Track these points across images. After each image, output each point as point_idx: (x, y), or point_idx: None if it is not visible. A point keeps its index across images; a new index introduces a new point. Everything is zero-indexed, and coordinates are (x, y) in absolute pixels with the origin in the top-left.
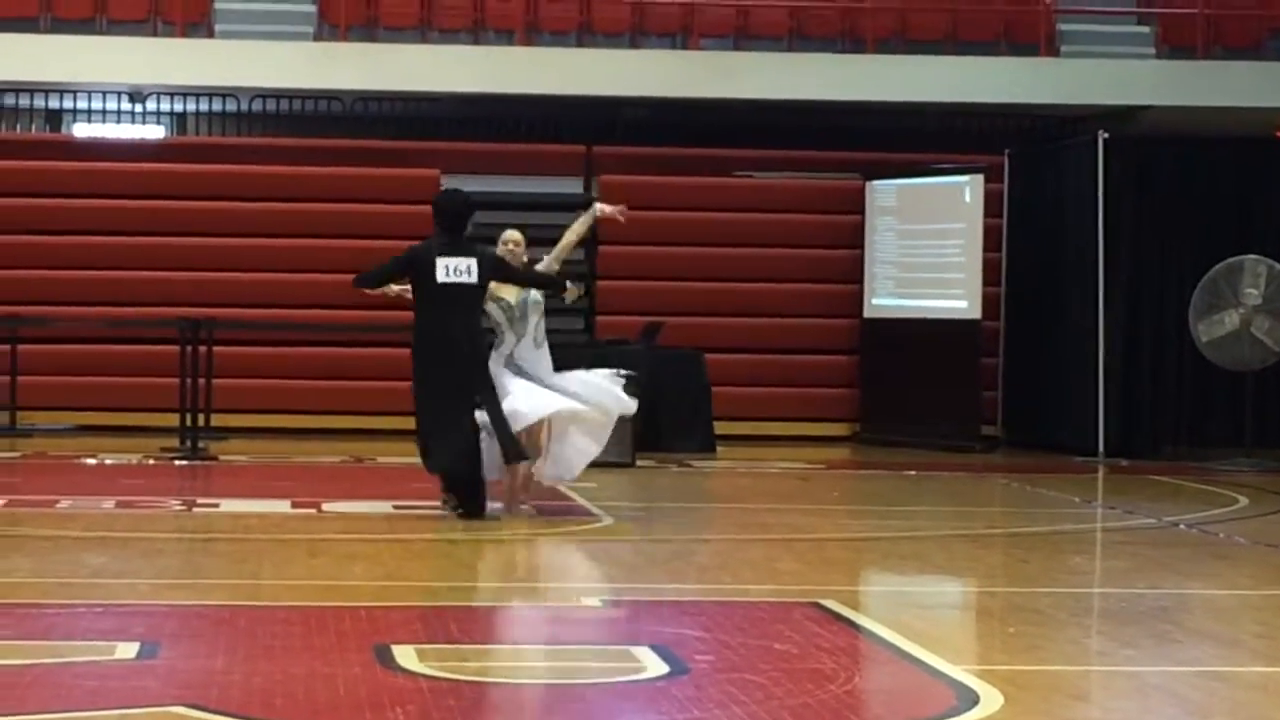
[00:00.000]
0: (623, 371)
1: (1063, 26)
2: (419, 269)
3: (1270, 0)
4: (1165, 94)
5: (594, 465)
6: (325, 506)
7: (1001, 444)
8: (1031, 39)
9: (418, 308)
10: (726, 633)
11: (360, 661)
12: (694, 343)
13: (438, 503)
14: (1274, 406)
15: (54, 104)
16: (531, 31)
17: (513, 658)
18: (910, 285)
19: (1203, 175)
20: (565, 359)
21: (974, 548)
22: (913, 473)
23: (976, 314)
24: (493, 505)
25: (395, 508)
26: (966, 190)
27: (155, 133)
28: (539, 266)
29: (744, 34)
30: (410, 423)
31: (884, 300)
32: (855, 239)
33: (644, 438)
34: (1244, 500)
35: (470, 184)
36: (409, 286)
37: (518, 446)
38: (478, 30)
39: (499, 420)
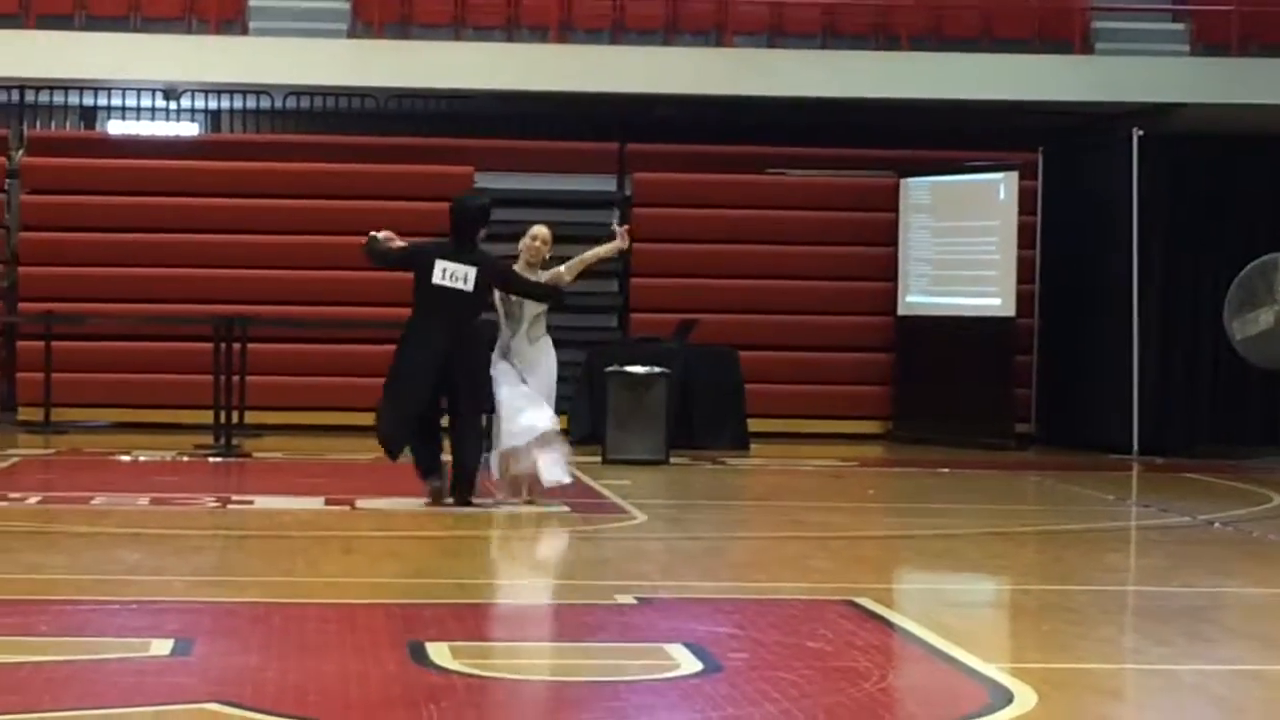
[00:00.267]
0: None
1: (1097, 24)
2: (419, 266)
3: None
4: (1200, 91)
5: (628, 462)
6: (359, 503)
7: (1035, 442)
8: (1066, 36)
9: (413, 303)
10: (760, 630)
11: (394, 659)
12: (728, 340)
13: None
14: None
15: (89, 101)
16: (565, 29)
17: (546, 655)
18: (944, 283)
19: (1238, 172)
20: (601, 356)
21: (1008, 545)
22: (946, 470)
23: (1011, 311)
24: (485, 501)
25: (428, 504)
26: (1001, 188)
27: (189, 130)
28: (561, 268)
29: (777, 31)
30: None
31: (918, 298)
32: (889, 236)
33: (678, 435)
34: (1278, 498)
35: (504, 181)
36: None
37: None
38: (511, 27)
39: (474, 438)
